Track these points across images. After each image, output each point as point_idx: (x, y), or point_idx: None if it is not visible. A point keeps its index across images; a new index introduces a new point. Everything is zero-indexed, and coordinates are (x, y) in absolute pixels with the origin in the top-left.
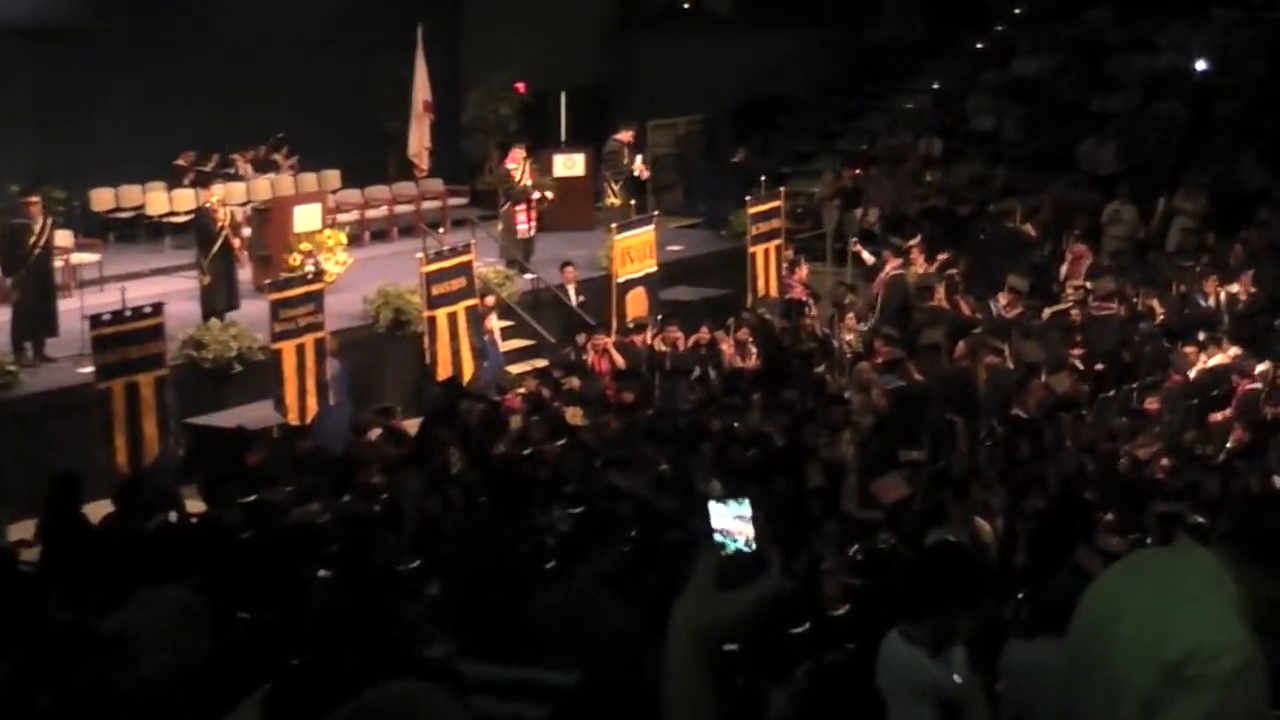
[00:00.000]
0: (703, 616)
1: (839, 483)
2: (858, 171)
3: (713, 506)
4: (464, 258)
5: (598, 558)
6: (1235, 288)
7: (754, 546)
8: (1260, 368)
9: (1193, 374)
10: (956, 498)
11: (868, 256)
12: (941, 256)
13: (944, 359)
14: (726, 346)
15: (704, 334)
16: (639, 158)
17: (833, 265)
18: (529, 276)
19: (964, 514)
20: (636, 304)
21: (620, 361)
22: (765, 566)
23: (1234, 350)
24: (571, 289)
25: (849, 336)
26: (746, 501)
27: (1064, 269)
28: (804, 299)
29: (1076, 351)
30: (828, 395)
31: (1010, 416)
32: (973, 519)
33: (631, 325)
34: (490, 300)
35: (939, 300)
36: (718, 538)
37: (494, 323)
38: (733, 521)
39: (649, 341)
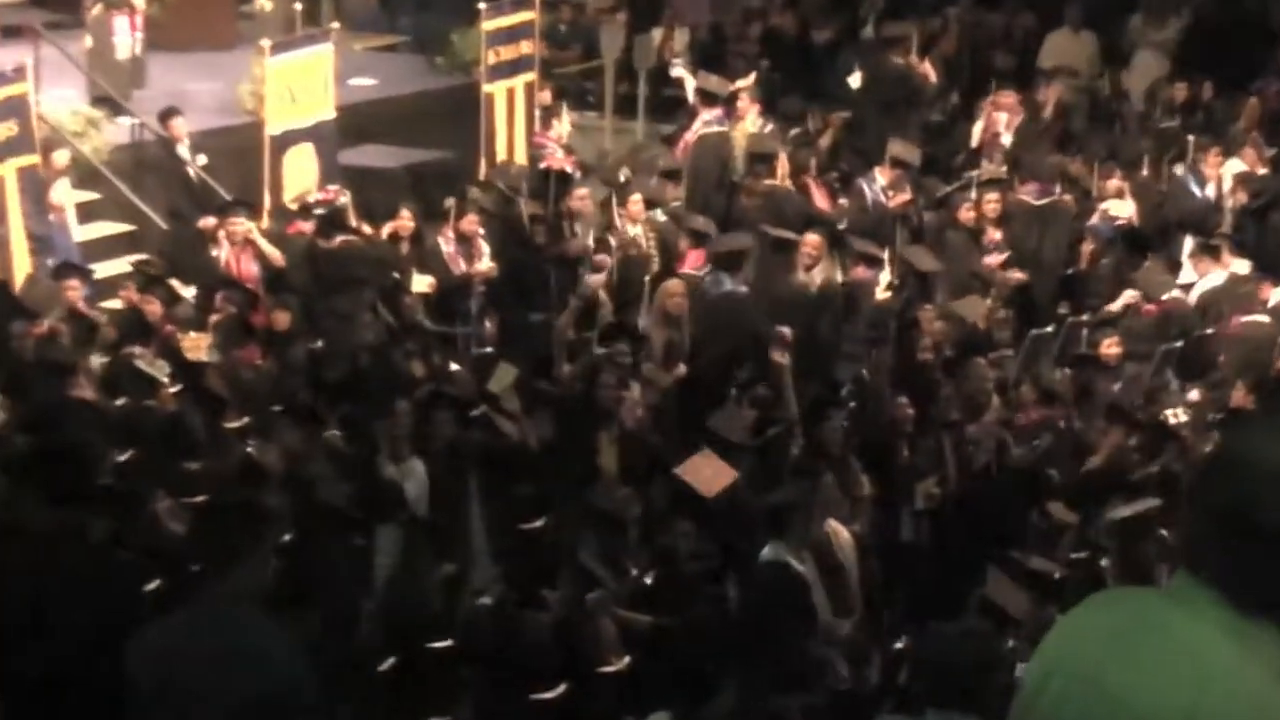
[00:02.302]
0: None
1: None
2: None
3: None
4: (15, 89)
5: (233, 573)
6: (1239, 165)
7: None
8: (1274, 293)
9: (1171, 299)
10: (799, 487)
11: (691, 96)
12: (785, 109)
13: (785, 271)
14: (443, 240)
15: (403, 220)
16: None
17: (614, 117)
18: (129, 122)
19: (807, 515)
20: (300, 171)
21: (273, 259)
22: None
23: (1236, 263)
24: (185, 146)
25: (636, 229)
26: None
27: (976, 131)
28: (567, 169)
29: (993, 260)
30: (605, 324)
31: (887, 363)
32: (825, 523)
33: (293, 204)
34: (60, 160)
35: (780, 178)
36: None
37: (65, 195)
38: None
39: (320, 232)
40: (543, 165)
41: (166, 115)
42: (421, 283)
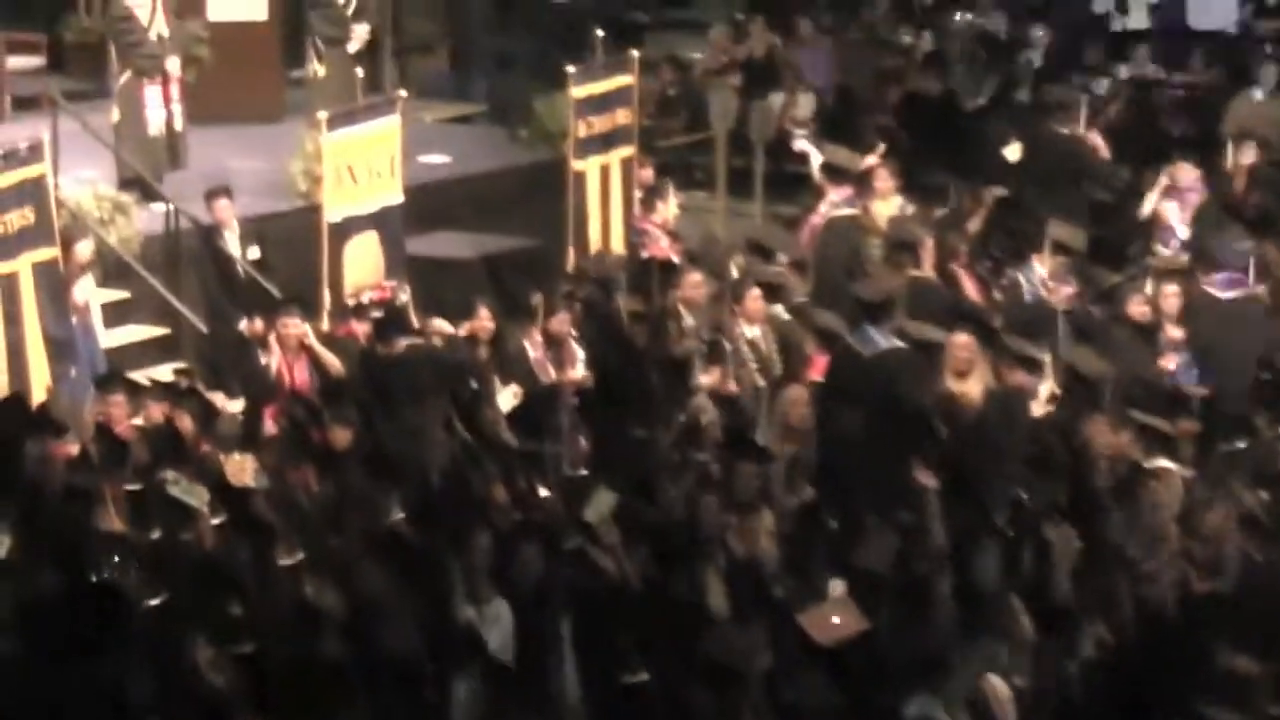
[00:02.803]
0: None
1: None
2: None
3: None
4: (31, 170)
5: None
6: None
7: None
8: None
9: None
10: (949, 632)
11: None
12: (928, 186)
13: (930, 378)
14: (529, 343)
15: (481, 320)
16: None
17: (727, 197)
18: (163, 208)
19: (960, 667)
20: (362, 263)
21: (332, 367)
22: None
23: None
24: (233, 234)
25: (755, 331)
26: None
27: (1148, 205)
28: (673, 259)
29: (1170, 364)
30: (728, 440)
31: (1050, 486)
32: (980, 676)
33: (352, 301)
34: (84, 253)
35: (924, 266)
36: None
37: (90, 293)
38: None
39: (377, 335)
40: (644, 254)
41: (213, 195)
42: (504, 393)
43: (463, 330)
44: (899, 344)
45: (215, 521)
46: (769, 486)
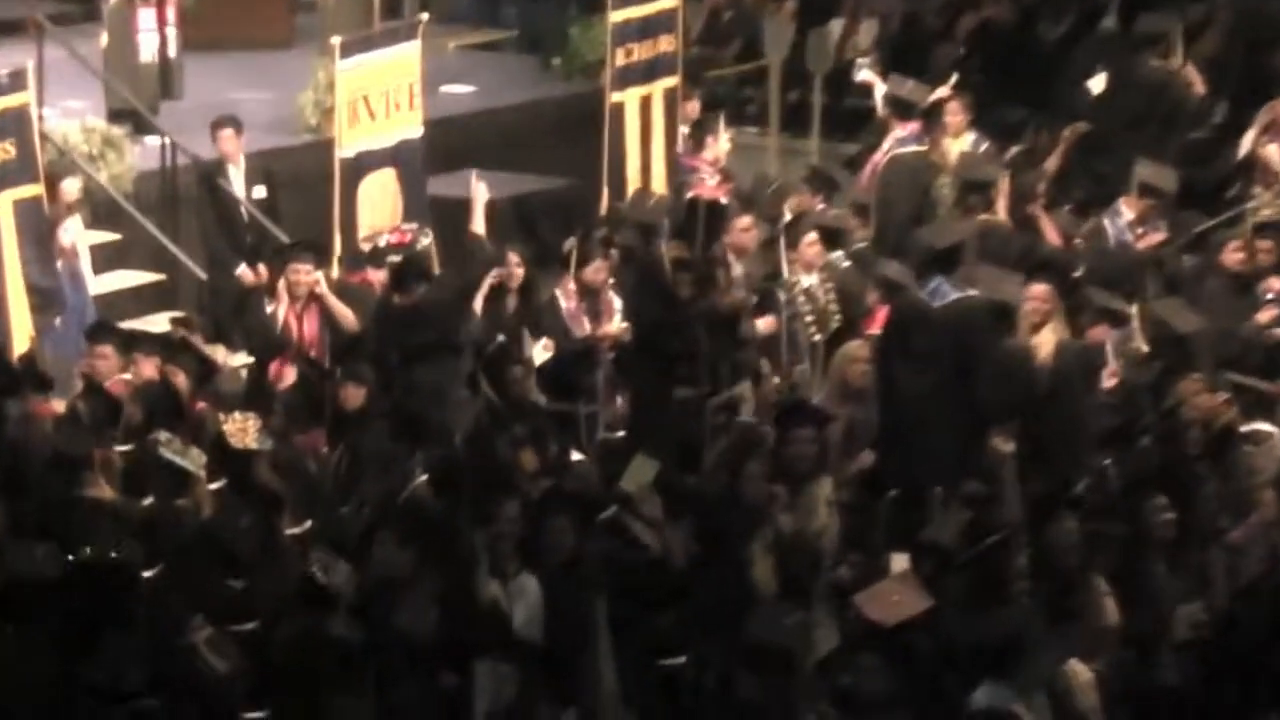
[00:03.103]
0: None
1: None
2: None
3: None
4: (13, 100)
5: None
6: None
7: None
8: None
9: None
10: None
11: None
12: (1004, 122)
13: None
14: (561, 294)
15: (511, 269)
16: None
17: (781, 134)
18: (158, 142)
19: (1037, 651)
20: (378, 204)
21: (344, 320)
22: None
23: None
24: (239, 171)
25: (811, 280)
26: None
27: (1246, 145)
28: (721, 200)
29: (1269, 316)
30: (781, 402)
31: (1137, 453)
32: (1060, 660)
33: (368, 246)
34: (71, 191)
35: (998, 211)
36: None
37: (77, 234)
38: None
39: (395, 284)
40: (689, 195)
41: (219, 125)
42: (534, 349)
43: (489, 279)
44: (970, 294)
45: (214, 487)
46: (824, 452)
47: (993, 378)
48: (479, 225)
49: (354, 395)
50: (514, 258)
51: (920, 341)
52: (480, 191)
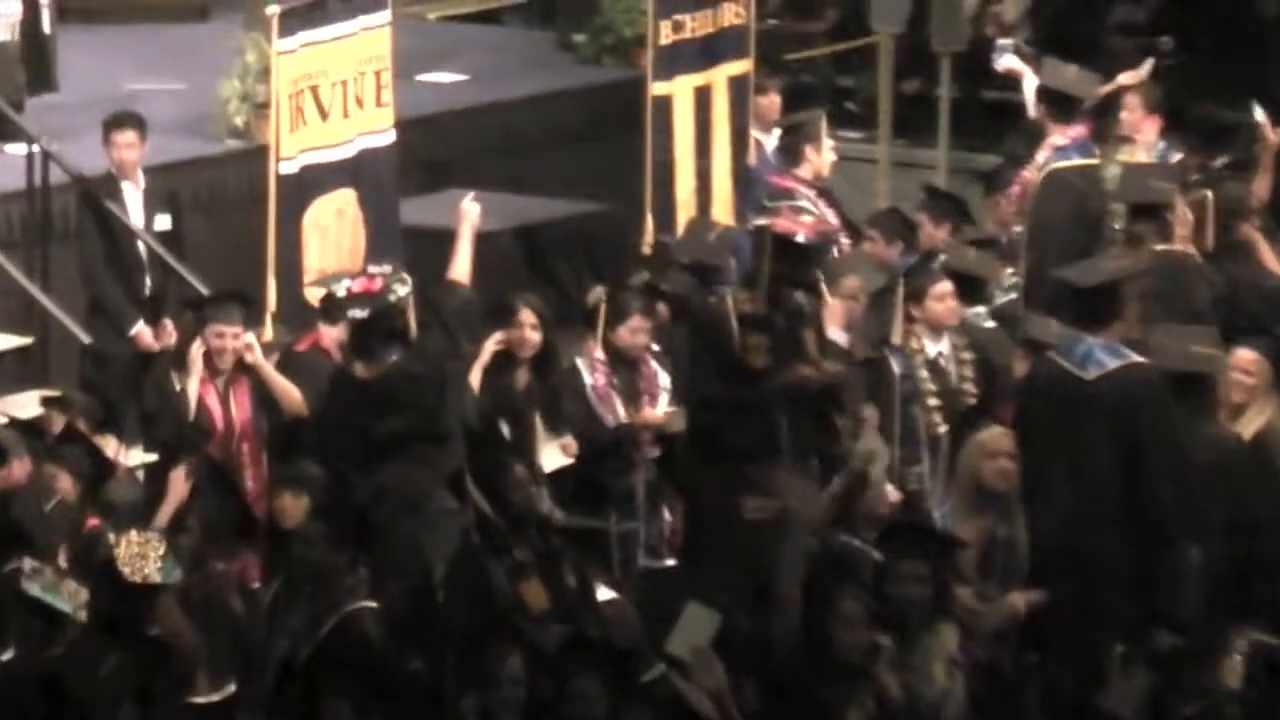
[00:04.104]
0: None
1: None
2: None
3: None
4: None
5: None
6: None
7: None
8: None
9: None
10: None
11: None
12: (1203, 122)
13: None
14: (585, 365)
15: (525, 327)
16: None
17: (894, 140)
18: (23, 150)
19: None
20: (334, 235)
21: (285, 399)
22: None
23: None
24: (136, 191)
25: (941, 346)
26: None
27: None
28: (803, 238)
29: None
30: (888, 519)
31: None
32: None
33: (318, 295)
34: None
35: (1177, 237)
36: None
37: None
38: None
39: (356, 349)
40: (761, 224)
41: (115, 126)
42: (549, 444)
43: (490, 343)
44: (1135, 361)
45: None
46: (947, 589)
47: (1176, 481)
48: (462, 266)
49: (293, 507)
50: (527, 313)
51: (1066, 427)
52: (471, 219)
